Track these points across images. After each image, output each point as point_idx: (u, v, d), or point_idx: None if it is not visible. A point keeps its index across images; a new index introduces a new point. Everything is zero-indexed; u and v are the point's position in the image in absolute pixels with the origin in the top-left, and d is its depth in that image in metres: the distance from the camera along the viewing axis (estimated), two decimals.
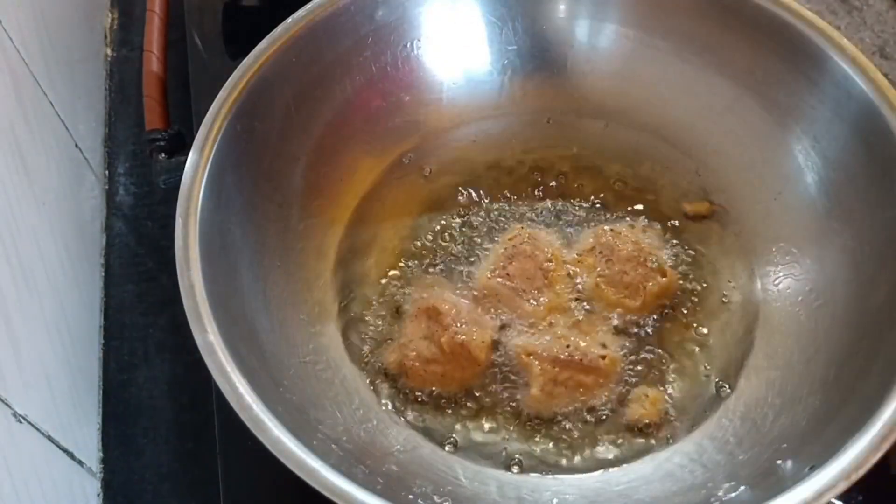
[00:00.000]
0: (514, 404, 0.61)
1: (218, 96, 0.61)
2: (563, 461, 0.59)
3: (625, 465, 0.59)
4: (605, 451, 0.60)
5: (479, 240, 0.69)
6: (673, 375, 0.63)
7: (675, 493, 0.56)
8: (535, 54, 0.74)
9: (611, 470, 0.59)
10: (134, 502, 0.66)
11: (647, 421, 0.60)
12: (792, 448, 0.53)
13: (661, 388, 0.62)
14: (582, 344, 0.62)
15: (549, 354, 0.61)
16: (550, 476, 0.59)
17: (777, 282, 0.66)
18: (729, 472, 0.55)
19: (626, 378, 0.62)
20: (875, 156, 0.60)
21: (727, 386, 0.62)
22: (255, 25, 0.67)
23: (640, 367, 0.63)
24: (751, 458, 0.55)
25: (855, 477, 0.46)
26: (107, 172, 0.83)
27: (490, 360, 0.62)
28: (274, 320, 0.60)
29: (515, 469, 0.59)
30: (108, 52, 0.92)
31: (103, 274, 0.77)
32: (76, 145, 0.77)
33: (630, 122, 0.74)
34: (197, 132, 0.59)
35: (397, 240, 0.69)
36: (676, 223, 0.70)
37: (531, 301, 0.64)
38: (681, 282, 0.66)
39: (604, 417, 0.61)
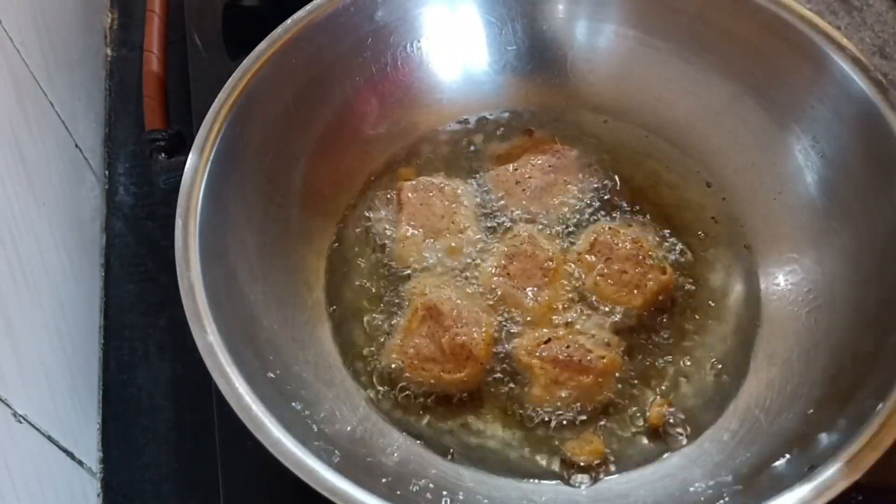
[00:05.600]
0: (514, 404, 0.61)
1: (218, 96, 0.61)
2: (563, 462, 0.59)
3: (624, 468, 0.59)
4: (605, 453, 0.60)
5: (479, 240, 0.69)
6: (672, 375, 0.63)
7: (675, 494, 0.56)
8: (535, 54, 0.74)
9: (610, 471, 0.59)
10: (134, 502, 0.66)
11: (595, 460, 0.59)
12: (792, 448, 0.53)
13: (659, 391, 0.62)
14: (582, 344, 0.62)
15: (550, 354, 0.61)
16: (550, 477, 0.59)
17: (777, 281, 0.66)
18: (729, 472, 0.55)
19: (626, 379, 0.62)
20: (875, 156, 0.60)
21: (726, 385, 0.62)
22: (255, 25, 0.67)
23: (639, 367, 0.63)
24: (750, 457, 0.55)
25: (854, 477, 0.46)
26: (107, 172, 0.83)
27: (490, 359, 0.62)
28: (274, 320, 0.60)
29: (516, 470, 0.59)
30: (108, 52, 0.92)
31: (103, 274, 0.77)
32: (76, 145, 0.77)
33: (630, 122, 0.74)
34: (197, 132, 0.59)
35: (397, 239, 0.69)
36: (676, 222, 0.70)
37: (532, 300, 0.64)
38: (680, 280, 0.66)
39: (602, 420, 0.61)
